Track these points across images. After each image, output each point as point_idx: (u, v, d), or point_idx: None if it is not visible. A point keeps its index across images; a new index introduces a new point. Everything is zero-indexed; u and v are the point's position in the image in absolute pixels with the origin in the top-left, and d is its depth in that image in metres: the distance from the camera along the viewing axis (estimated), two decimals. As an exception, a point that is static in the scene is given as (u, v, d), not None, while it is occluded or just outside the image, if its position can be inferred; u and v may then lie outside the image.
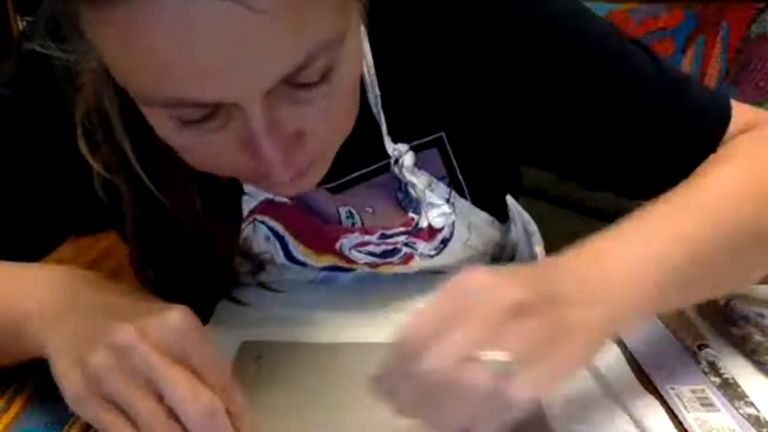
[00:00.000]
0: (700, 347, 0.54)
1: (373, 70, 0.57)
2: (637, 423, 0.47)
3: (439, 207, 0.61)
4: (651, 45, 0.62)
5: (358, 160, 0.60)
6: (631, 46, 0.59)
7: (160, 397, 0.40)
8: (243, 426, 0.42)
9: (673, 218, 0.49)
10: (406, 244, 0.62)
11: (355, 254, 0.62)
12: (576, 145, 0.60)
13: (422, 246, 0.62)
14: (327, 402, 0.50)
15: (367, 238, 0.61)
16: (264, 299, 0.64)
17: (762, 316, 0.58)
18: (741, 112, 0.60)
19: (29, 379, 0.51)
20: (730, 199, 0.51)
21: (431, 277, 0.67)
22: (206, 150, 0.45)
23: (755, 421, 0.47)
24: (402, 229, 0.61)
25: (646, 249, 0.46)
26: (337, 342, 0.57)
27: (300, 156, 0.45)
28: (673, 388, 0.51)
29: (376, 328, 0.58)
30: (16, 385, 0.51)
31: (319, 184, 0.58)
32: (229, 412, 0.41)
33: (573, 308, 0.41)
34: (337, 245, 0.62)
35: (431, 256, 0.64)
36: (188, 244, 0.58)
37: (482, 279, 0.40)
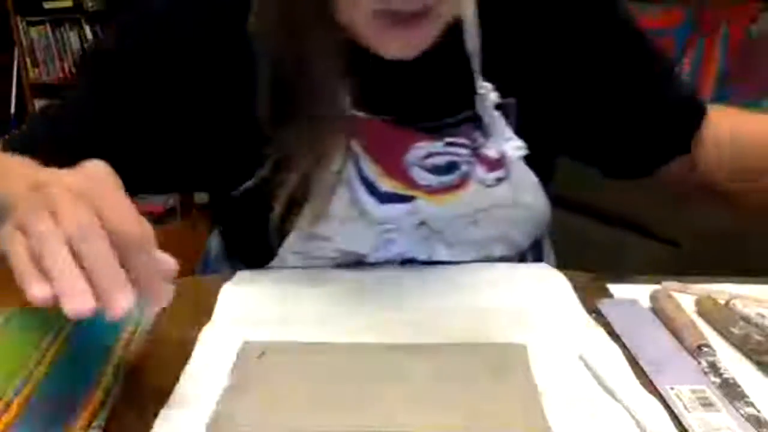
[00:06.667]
0: (700, 347, 0.54)
1: (474, 15, 0.65)
2: (637, 423, 0.47)
3: (514, 140, 0.66)
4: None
5: (445, 106, 0.66)
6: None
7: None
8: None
9: None
10: (467, 162, 0.66)
11: (418, 173, 0.66)
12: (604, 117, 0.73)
13: (480, 171, 0.67)
14: (328, 399, 0.50)
15: (434, 146, 0.66)
16: (265, 299, 0.64)
17: (762, 316, 0.58)
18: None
19: (29, 378, 0.51)
20: None
21: (430, 278, 0.67)
22: None
23: (755, 421, 0.47)
24: (465, 141, 0.66)
25: None
26: (338, 342, 0.57)
27: None
28: (673, 388, 0.51)
29: (376, 329, 0.58)
30: (16, 386, 0.51)
31: (405, 123, 0.65)
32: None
33: None
34: (404, 159, 0.65)
35: (486, 186, 0.67)
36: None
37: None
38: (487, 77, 0.66)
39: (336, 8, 0.56)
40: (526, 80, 0.68)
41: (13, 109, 2.93)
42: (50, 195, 0.43)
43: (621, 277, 0.68)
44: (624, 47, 0.71)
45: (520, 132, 0.67)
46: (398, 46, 0.58)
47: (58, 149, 0.57)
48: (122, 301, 0.40)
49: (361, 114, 0.64)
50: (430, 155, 0.66)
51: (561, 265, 0.70)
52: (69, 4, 2.84)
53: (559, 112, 0.71)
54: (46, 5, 2.85)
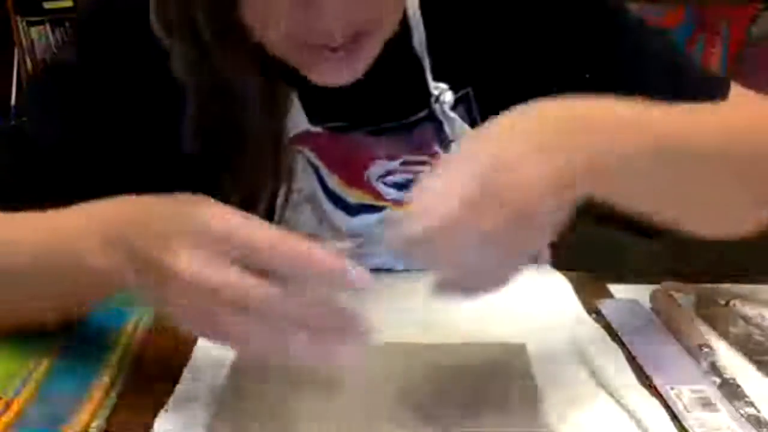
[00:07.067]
0: (700, 347, 0.54)
1: (418, 13, 0.62)
2: (637, 423, 0.47)
3: None
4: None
5: (400, 108, 0.64)
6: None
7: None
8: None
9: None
10: None
11: (382, 187, 0.65)
12: None
13: None
14: (327, 399, 0.50)
15: (391, 164, 0.64)
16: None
17: (762, 316, 0.58)
18: (743, 95, 0.62)
19: (29, 378, 0.52)
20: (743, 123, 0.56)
21: (429, 279, 0.67)
22: (264, 5, 0.48)
23: (755, 421, 0.47)
24: (425, 158, 0.64)
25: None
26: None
27: (356, 14, 0.48)
28: (673, 388, 0.51)
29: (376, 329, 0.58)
30: (16, 386, 0.51)
31: (360, 127, 0.63)
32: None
33: None
34: (366, 174, 0.64)
35: None
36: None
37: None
38: (440, 74, 0.64)
39: (247, 17, 0.50)
40: (479, 67, 0.65)
41: (13, 110, 2.93)
42: (198, 284, 0.39)
43: (621, 277, 0.68)
44: (578, 18, 0.64)
45: (482, 121, 0.65)
46: (331, 74, 0.53)
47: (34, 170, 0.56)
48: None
49: (311, 127, 0.61)
50: (388, 173, 0.64)
51: (560, 265, 0.70)
52: (69, 4, 2.83)
53: (517, 94, 0.67)
54: (46, 5, 2.85)
